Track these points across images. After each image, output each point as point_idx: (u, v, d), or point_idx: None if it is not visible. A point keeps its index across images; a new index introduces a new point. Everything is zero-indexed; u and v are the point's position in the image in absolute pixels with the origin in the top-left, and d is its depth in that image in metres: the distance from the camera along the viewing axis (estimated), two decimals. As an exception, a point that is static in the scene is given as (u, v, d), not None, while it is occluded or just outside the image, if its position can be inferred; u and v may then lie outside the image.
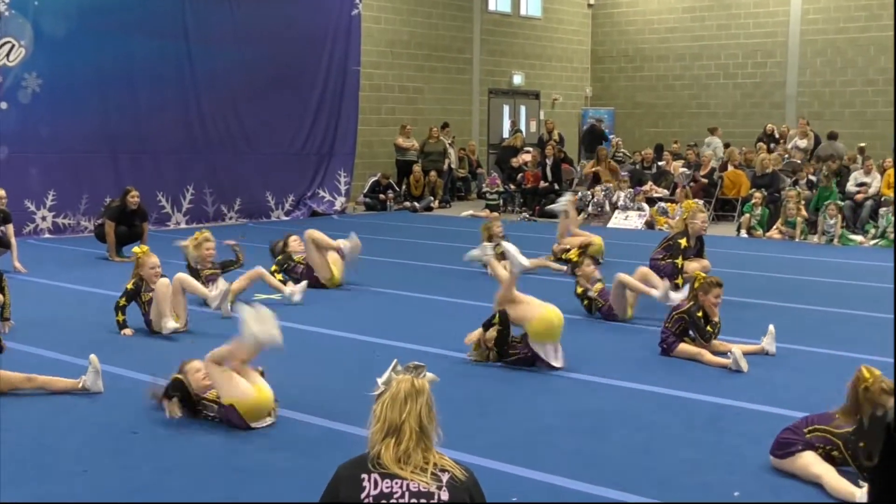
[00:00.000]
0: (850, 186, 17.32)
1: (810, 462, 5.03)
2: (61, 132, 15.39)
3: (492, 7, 25.50)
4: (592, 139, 22.93)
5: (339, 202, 19.92)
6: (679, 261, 9.73)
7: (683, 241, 9.84)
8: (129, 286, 8.42)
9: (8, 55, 14.78)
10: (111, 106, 16.05)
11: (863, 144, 19.90)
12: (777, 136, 22.00)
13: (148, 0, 16.43)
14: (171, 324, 8.24)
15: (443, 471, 3.23)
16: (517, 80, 26.14)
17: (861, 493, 4.70)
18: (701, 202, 11.69)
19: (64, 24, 15.32)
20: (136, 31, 16.25)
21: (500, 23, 25.70)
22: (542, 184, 20.45)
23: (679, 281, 9.64)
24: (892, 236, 15.71)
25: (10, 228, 11.88)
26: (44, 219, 15.41)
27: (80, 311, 9.30)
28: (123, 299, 8.38)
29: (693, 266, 9.93)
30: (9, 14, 14.71)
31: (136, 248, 8.72)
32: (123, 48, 16.06)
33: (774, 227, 16.67)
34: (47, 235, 15.27)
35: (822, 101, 24.04)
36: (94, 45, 15.66)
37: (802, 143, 20.49)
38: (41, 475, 5.03)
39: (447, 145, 22.24)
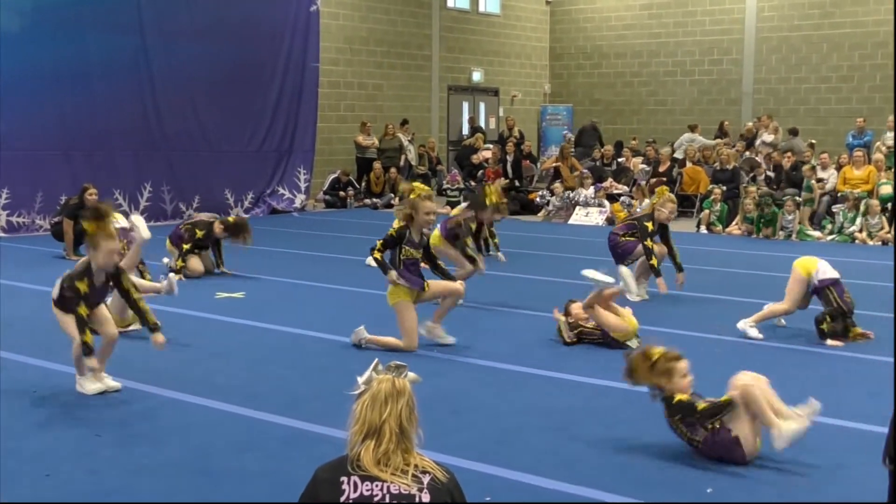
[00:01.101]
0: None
1: (738, 428, 5.19)
2: (16, 129, 15.13)
3: (450, 4, 25.45)
4: (590, 138, 22.90)
5: (299, 199, 19.80)
6: (649, 243, 9.81)
7: (650, 225, 9.92)
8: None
9: (-39, 51, 14.51)
10: (67, 102, 15.81)
11: (813, 141, 20.16)
12: (727, 133, 22.16)
13: (102, -6, 16.21)
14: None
15: (423, 472, 3.19)
16: (476, 76, 26.12)
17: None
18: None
19: (18, 20, 15.07)
20: (92, 26, 16.02)
21: (459, 19, 25.68)
22: (503, 181, 20.46)
23: (654, 262, 9.73)
24: (848, 231, 15.93)
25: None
26: (-3, 217, 15.15)
27: (38, 312, 9.11)
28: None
29: (655, 249, 10.00)
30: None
31: None
32: (79, 44, 15.83)
33: (734, 222, 16.82)
34: (1, 234, 15.00)
35: (777, 98, 24.29)
36: (49, 40, 15.42)
37: (769, 138, 20.69)
38: (4, 480, 4.91)
39: (404, 141, 22.18)
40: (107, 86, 16.31)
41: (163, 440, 5.54)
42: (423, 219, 7.57)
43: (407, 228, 7.62)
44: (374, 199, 20.81)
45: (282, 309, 9.45)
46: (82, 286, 6.23)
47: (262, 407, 6.14)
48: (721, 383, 5.47)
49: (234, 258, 11.72)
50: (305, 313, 9.22)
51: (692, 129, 22.53)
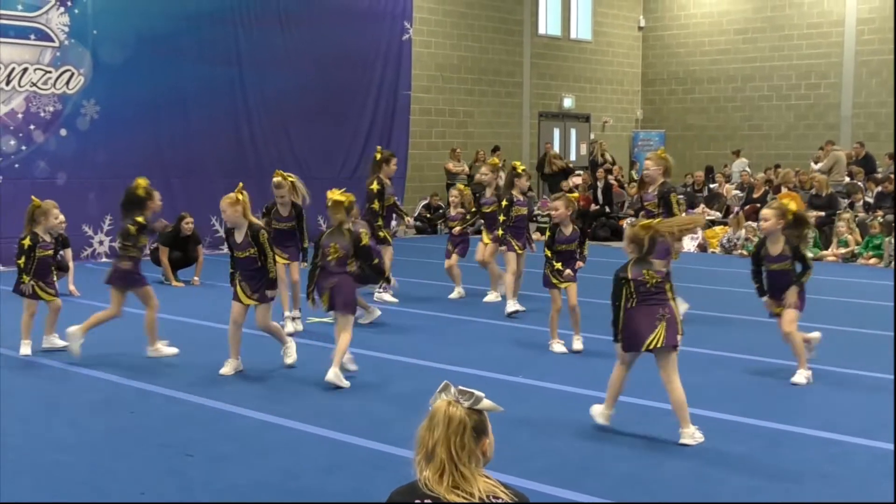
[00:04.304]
0: (909, 208, 17.07)
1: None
2: (117, 158, 15.66)
3: (542, 30, 25.55)
4: None
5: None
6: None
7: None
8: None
9: (68, 83, 15.12)
10: (165, 131, 16.31)
11: None
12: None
13: (201, 27, 16.72)
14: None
15: (494, 497, 3.19)
16: (567, 103, 26.12)
17: None
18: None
19: (121, 53, 15.63)
20: (190, 58, 16.53)
21: (550, 46, 25.74)
22: (594, 206, 20.39)
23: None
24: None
25: (69, 252, 12.10)
26: (101, 243, 15.68)
27: (135, 335, 9.41)
28: None
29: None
30: (68, 43, 15.06)
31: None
32: (177, 75, 16.34)
33: (829, 249, 16.47)
34: (104, 259, 15.52)
35: (877, 122, 23.71)
36: (149, 72, 15.96)
37: (816, 166, 20.48)
38: (98, 497, 5.09)
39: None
40: (203, 115, 16.78)
41: (251, 460, 5.67)
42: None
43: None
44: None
45: (369, 334, 9.57)
46: None
47: (347, 429, 6.23)
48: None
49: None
50: (391, 339, 9.31)
51: (736, 154, 22.58)
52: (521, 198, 10.75)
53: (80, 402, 6.97)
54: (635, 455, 5.82)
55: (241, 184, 8.12)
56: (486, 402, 3.24)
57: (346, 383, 7.37)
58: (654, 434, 6.23)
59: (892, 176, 18.31)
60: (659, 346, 6.04)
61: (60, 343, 8.66)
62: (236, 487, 5.22)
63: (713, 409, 6.74)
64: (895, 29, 22.09)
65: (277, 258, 8.50)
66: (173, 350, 8.50)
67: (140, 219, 8.57)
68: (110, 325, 9.79)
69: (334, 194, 7.99)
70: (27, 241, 8.52)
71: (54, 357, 8.43)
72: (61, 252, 11.85)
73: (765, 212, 7.55)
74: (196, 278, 12.97)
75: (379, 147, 12.88)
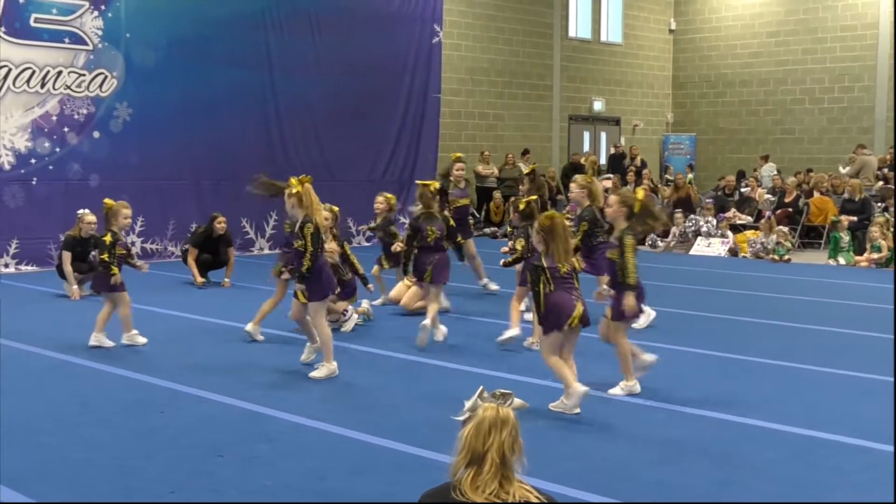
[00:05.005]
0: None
1: None
2: (149, 160, 15.82)
3: (572, 33, 25.51)
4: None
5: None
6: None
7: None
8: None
9: (101, 86, 15.28)
10: (196, 134, 16.44)
11: None
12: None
13: (233, 31, 16.84)
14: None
15: (526, 501, 3.20)
16: (597, 106, 26.06)
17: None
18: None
19: (153, 56, 15.79)
20: (222, 62, 16.65)
21: (581, 49, 25.69)
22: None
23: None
24: None
25: (100, 253, 12.19)
26: (133, 244, 15.80)
27: (165, 335, 9.49)
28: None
29: None
30: (102, 46, 15.22)
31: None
32: (209, 78, 16.48)
33: (864, 255, 16.30)
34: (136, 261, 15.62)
35: (912, 126, 23.49)
36: (181, 75, 16.10)
37: (844, 170, 20.31)
38: (127, 496, 5.12)
39: (525, 171, 22.26)
40: (234, 119, 16.90)
41: (280, 462, 5.69)
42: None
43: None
44: (494, 228, 20.91)
45: (399, 335, 9.58)
46: None
47: (376, 431, 6.24)
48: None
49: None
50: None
51: (764, 159, 22.41)
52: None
53: (111, 402, 7.02)
54: (663, 459, 5.78)
55: (305, 176, 8.11)
56: (516, 401, 3.29)
57: (442, 336, 9.02)
58: (682, 438, 6.20)
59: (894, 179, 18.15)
60: (580, 322, 6.64)
61: (109, 343, 8.81)
62: (265, 488, 5.24)
63: (745, 416, 6.70)
64: (895, 32, 21.79)
65: None
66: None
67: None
68: (142, 326, 9.89)
69: (424, 182, 9.84)
70: (108, 238, 8.91)
71: (88, 356, 8.51)
72: (93, 253, 11.98)
73: (611, 197, 7.50)
74: (227, 280, 13.04)
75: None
